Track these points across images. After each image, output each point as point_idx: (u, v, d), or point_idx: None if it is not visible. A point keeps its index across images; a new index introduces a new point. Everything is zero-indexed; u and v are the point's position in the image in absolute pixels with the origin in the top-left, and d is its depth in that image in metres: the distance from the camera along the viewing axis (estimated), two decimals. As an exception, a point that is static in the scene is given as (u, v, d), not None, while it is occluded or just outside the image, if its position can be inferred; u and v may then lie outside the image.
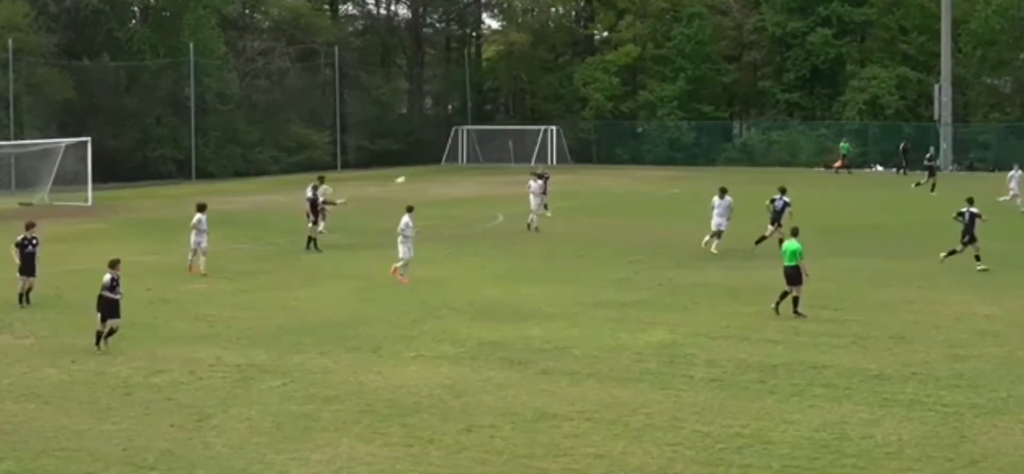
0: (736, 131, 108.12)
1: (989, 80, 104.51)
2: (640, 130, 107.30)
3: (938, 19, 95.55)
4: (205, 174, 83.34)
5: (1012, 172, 60.75)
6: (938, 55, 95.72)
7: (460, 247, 43.98)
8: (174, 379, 23.41)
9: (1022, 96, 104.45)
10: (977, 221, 38.65)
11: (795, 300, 29.94)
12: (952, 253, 38.67)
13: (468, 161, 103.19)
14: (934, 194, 67.30)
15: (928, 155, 77.18)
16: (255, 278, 37.24)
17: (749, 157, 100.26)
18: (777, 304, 30.13)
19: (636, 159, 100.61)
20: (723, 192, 42.76)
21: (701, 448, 18.72)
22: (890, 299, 32.29)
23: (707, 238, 42.32)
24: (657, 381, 23.15)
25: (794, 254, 29.99)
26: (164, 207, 61.40)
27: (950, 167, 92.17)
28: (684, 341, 27.06)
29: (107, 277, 26.09)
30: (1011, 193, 59.05)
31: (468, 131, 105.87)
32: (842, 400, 21.53)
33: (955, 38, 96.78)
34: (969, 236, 38.59)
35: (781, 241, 39.54)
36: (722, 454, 18.43)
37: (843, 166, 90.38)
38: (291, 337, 27.67)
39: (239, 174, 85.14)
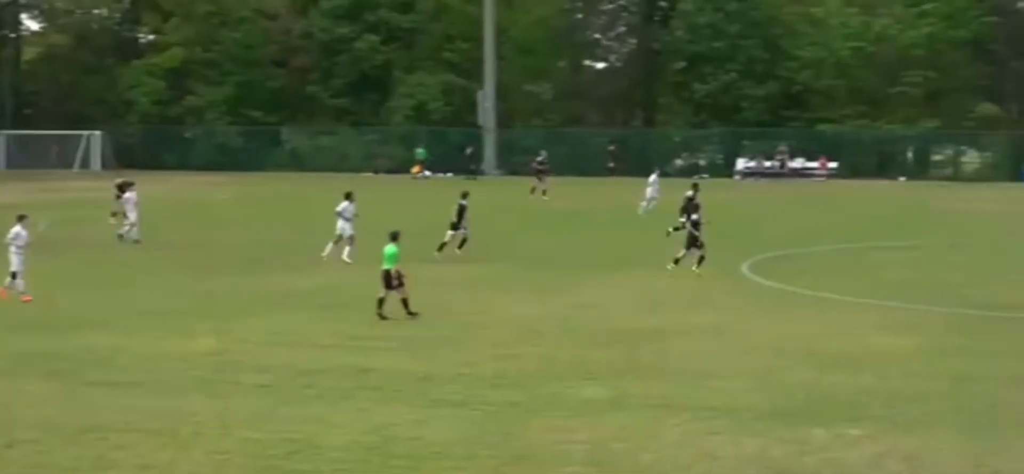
0: (285, 136, 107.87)
1: (530, 87, 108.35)
2: (188, 135, 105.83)
3: (482, 27, 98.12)
4: None
5: (652, 177, 62.72)
6: (482, 62, 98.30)
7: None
8: None
9: (561, 102, 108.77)
10: (699, 227, 39.37)
11: (381, 300, 30.15)
12: (677, 261, 39.57)
13: (8, 167, 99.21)
14: (546, 197, 69.13)
15: (539, 159, 78.45)
16: None
17: (298, 163, 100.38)
18: (379, 310, 30.16)
19: (184, 164, 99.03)
20: (349, 196, 42.21)
21: (250, 455, 18.50)
22: (438, 301, 32.77)
23: (332, 246, 41.72)
24: (206, 389, 22.75)
25: (392, 257, 30.26)
26: None
27: (495, 171, 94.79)
28: (233, 347, 26.73)
29: None
30: (648, 197, 60.69)
31: (7, 136, 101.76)
32: (391, 402, 21.70)
33: (498, 46, 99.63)
34: (695, 241, 39.18)
35: (463, 242, 41.07)
36: (272, 460, 18.27)
37: (422, 172, 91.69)
38: None
39: None
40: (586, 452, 18.68)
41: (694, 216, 39.59)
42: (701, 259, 38.77)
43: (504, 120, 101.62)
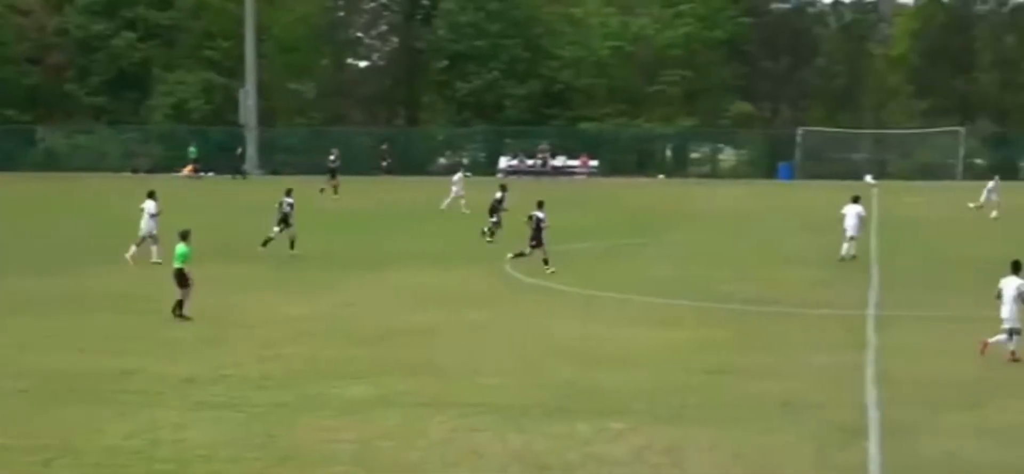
0: (40, 135, 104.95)
1: (293, 85, 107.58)
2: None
3: (243, 25, 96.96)
4: None
5: (456, 176, 63.74)
6: (243, 60, 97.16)
7: None
8: None
9: (324, 100, 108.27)
10: (543, 227, 39.43)
11: (180, 302, 29.78)
12: (520, 255, 39.64)
13: None
14: (322, 194, 68.62)
15: (331, 157, 77.47)
16: None
17: (54, 163, 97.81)
18: (175, 309, 29.74)
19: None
20: (152, 195, 41.28)
21: (6, 463, 17.99)
22: (204, 301, 32.28)
23: (134, 249, 40.55)
24: (-41, 396, 22.10)
25: (183, 256, 29.94)
26: None
27: (257, 171, 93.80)
28: (-12, 353, 26.02)
29: None
30: (455, 196, 61.16)
31: None
32: (153, 405, 21.34)
33: (259, 44, 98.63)
34: (536, 240, 39.33)
35: (292, 241, 41.98)
36: (30, 467, 17.81)
37: (195, 172, 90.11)
38: None
39: None
40: (353, 451, 18.67)
41: (539, 215, 39.83)
42: (520, 254, 39.48)
43: (266, 118, 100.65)
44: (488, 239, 47.26)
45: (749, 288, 36.40)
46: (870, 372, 24.54)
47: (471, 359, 25.60)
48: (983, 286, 36.05)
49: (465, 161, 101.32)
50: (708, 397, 22.32)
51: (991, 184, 63.78)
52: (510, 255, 40.13)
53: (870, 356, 26.21)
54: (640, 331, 28.93)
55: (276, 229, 43.12)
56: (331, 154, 76.99)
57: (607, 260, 43.17)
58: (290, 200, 43.52)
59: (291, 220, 43.24)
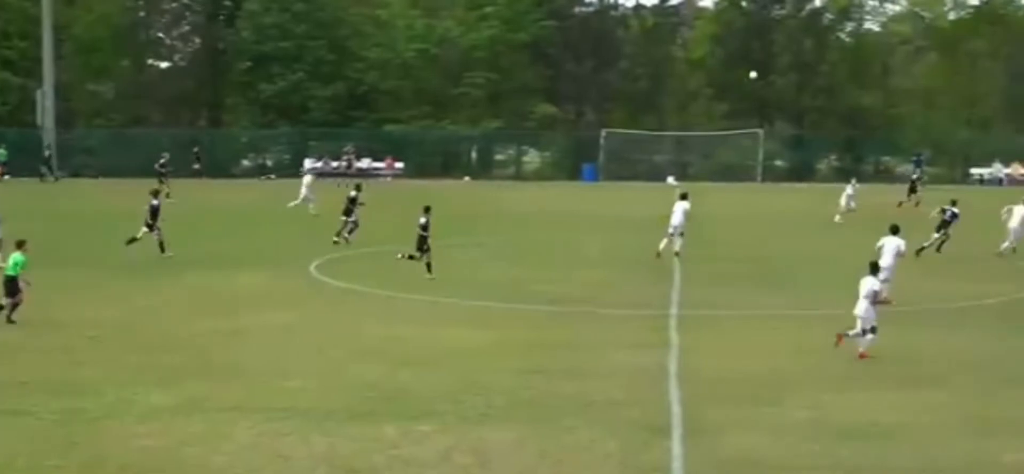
0: None
1: (92, 86, 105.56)
2: None
3: (40, 24, 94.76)
4: None
5: (307, 178, 64.12)
6: (41, 60, 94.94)
7: None
8: None
9: (125, 102, 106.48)
10: (427, 233, 39.13)
11: (14, 306, 29.28)
12: (411, 257, 39.28)
13: None
14: (171, 199, 67.26)
15: (162, 161, 75.88)
16: None
17: None
18: (9, 316, 29.17)
19: None
20: None
21: None
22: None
23: None
24: None
25: (18, 265, 29.57)
26: None
27: (57, 173, 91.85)
28: None
29: None
30: (302, 197, 60.54)
31: None
32: (-53, 415, 20.79)
33: (58, 44, 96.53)
34: (423, 247, 38.96)
35: (132, 239, 42.15)
36: None
37: (2, 173, 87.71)
38: None
39: None
40: (156, 458, 18.37)
41: (422, 219, 39.49)
42: (410, 257, 39.34)
43: (65, 120, 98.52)
44: (346, 238, 47.09)
45: (555, 288, 36.71)
46: (673, 370, 24.92)
47: (276, 362, 25.38)
48: (783, 284, 36.94)
49: (269, 163, 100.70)
50: (514, 397, 22.43)
51: (850, 190, 63.54)
52: (398, 256, 39.90)
53: (673, 355, 26.62)
54: (447, 332, 28.98)
55: (142, 230, 42.96)
56: (161, 158, 75.93)
57: (415, 262, 43.12)
58: (155, 202, 42.96)
59: (148, 220, 42.93)
